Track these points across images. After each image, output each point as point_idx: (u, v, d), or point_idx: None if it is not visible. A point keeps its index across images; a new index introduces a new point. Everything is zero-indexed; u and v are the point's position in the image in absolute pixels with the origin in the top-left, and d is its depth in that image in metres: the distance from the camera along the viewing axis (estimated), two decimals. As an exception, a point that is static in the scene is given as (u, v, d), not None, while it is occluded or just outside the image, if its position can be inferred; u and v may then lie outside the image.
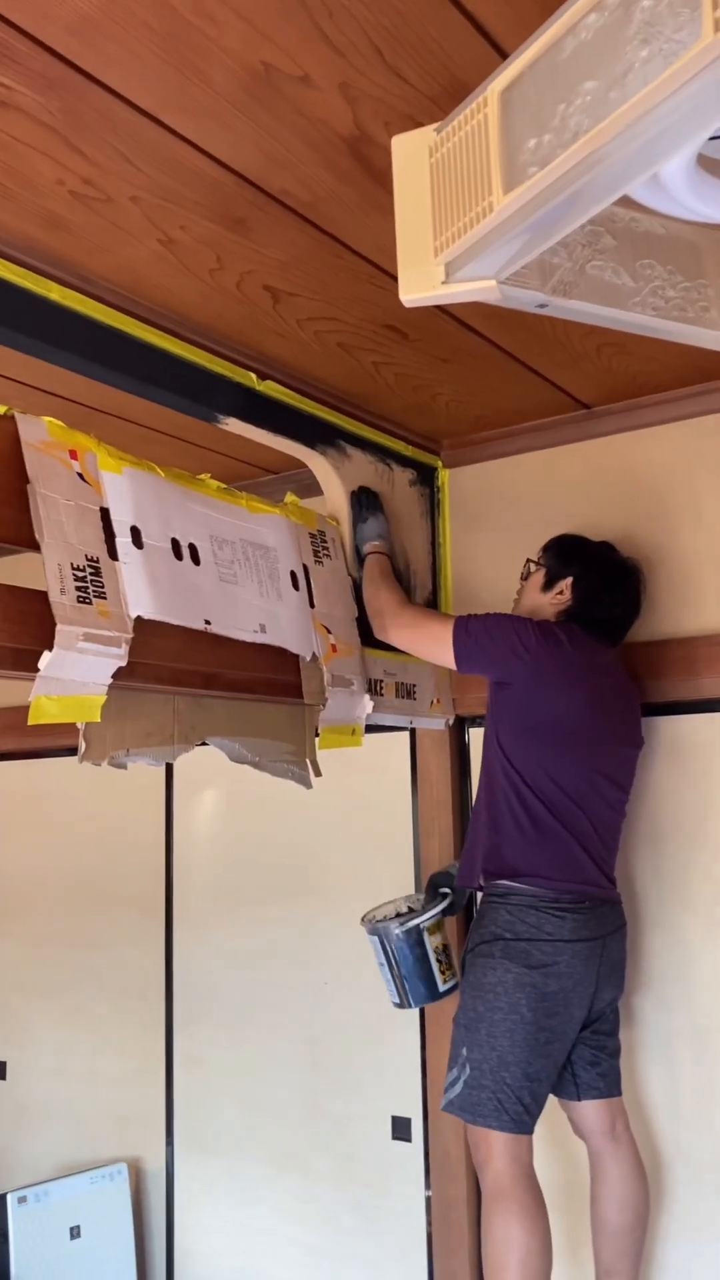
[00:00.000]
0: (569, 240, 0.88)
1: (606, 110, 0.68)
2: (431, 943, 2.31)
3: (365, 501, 2.38)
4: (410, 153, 0.88)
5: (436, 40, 1.32)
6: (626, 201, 0.81)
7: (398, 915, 2.38)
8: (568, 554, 2.27)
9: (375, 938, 2.33)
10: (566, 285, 0.88)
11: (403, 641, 2.25)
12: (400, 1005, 2.36)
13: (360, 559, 2.36)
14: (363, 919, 2.39)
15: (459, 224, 0.81)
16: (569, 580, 2.23)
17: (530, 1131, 2.02)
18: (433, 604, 2.61)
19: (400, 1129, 2.62)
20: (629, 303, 0.91)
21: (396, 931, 2.29)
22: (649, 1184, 2.19)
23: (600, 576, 2.23)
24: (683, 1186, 2.27)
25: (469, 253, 0.82)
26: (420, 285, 0.86)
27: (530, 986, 2.01)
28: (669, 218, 0.91)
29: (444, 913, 2.35)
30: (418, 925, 2.29)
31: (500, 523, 2.62)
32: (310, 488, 2.46)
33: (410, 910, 2.40)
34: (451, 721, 2.58)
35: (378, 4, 1.26)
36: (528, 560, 2.34)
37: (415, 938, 2.29)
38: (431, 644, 2.18)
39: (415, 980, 2.31)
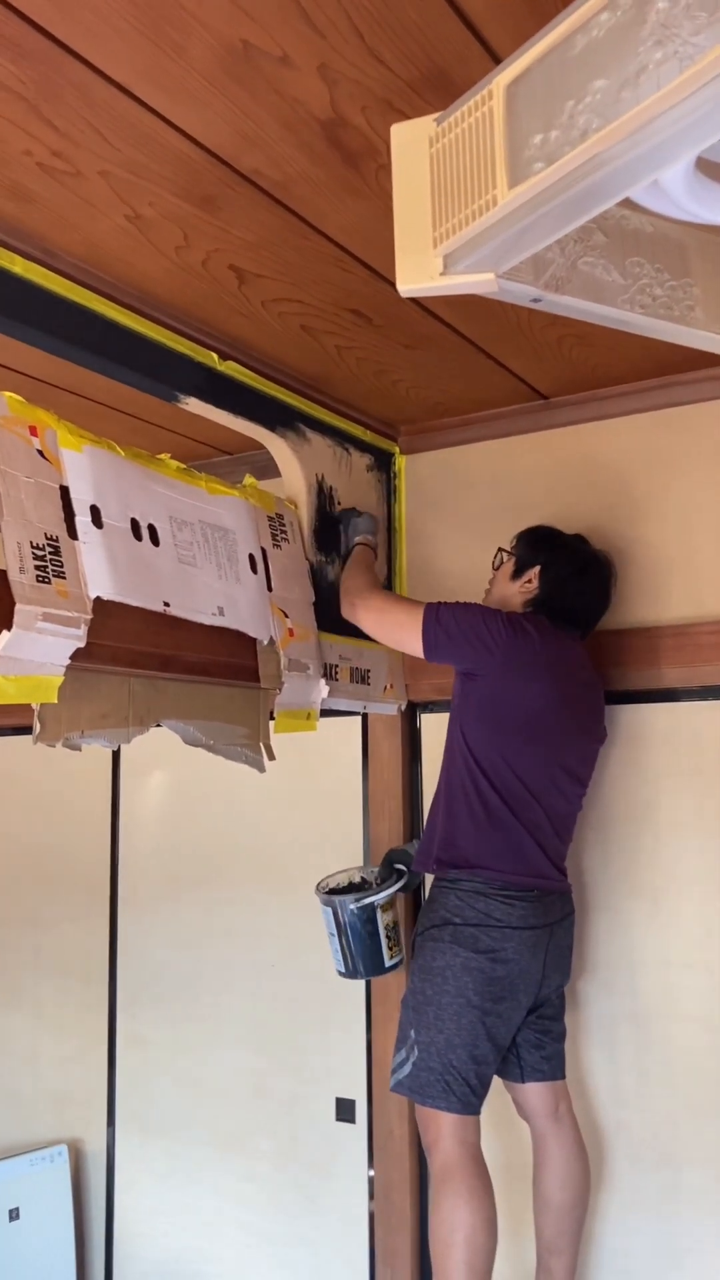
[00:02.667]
0: (562, 236, 0.89)
1: (618, 110, 0.68)
2: (383, 919, 2.34)
3: (358, 510, 2.47)
4: (409, 142, 0.88)
5: (417, 24, 1.31)
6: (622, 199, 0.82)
7: (350, 886, 2.43)
8: (537, 543, 2.28)
9: (328, 909, 2.35)
10: (559, 281, 0.89)
11: (370, 624, 2.25)
12: (345, 975, 2.42)
13: (349, 550, 2.42)
14: (317, 887, 2.42)
15: (459, 216, 0.81)
16: (537, 569, 2.24)
17: (477, 1112, 2.04)
18: (388, 588, 2.62)
19: (345, 1110, 2.64)
20: (618, 300, 0.92)
21: (351, 906, 2.32)
22: (590, 1163, 2.23)
23: (568, 565, 2.24)
24: (623, 1165, 2.32)
25: (469, 245, 0.82)
26: (418, 276, 0.86)
27: (478, 971, 2.03)
28: (659, 216, 0.92)
29: (399, 891, 2.38)
30: (372, 902, 2.31)
31: (456, 509, 2.63)
32: (266, 470, 2.45)
33: (364, 881, 2.44)
34: (404, 707, 2.60)
35: (361, -15, 1.25)
36: (499, 549, 2.34)
37: (368, 913, 2.32)
38: (399, 631, 2.18)
39: (363, 954, 2.36)
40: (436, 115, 0.87)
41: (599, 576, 2.28)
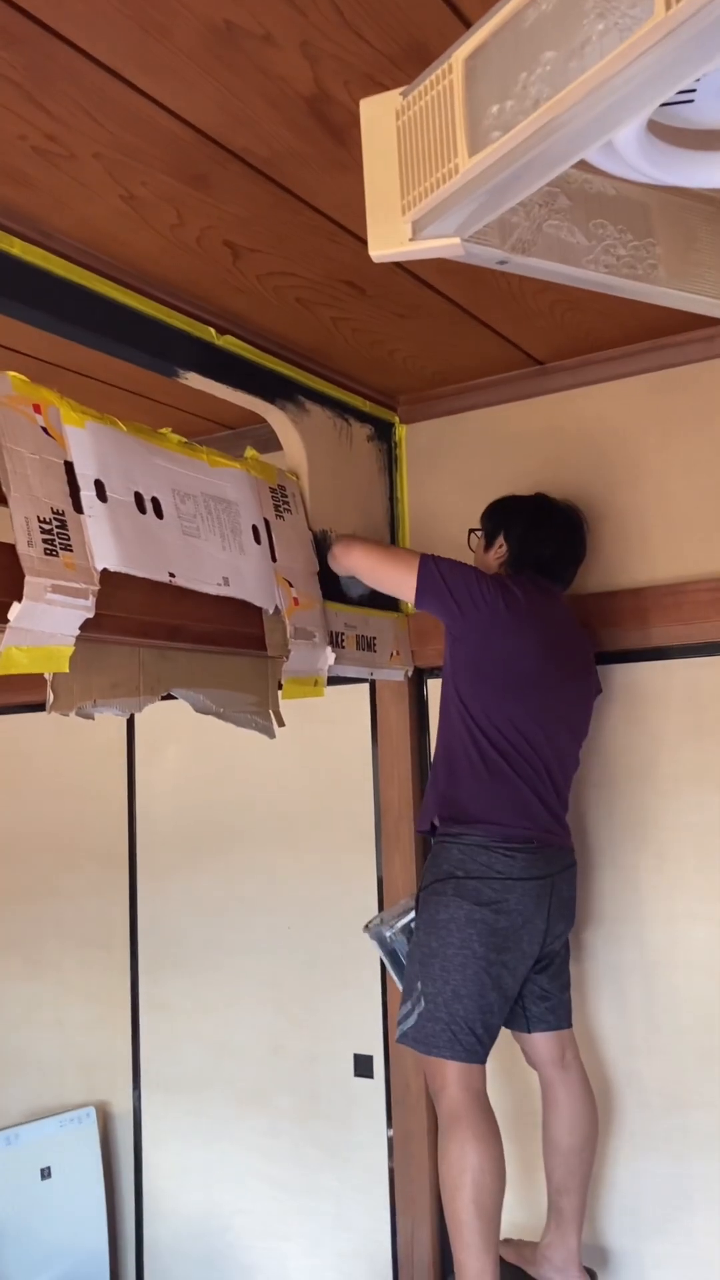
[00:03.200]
0: (527, 200, 0.93)
1: (565, 80, 0.72)
2: None
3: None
4: (377, 115, 0.92)
5: (395, 0, 1.35)
6: (581, 164, 0.86)
7: (405, 911, 2.39)
8: (497, 512, 2.41)
9: (375, 940, 2.35)
10: (525, 243, 0.93)
11: (362, 564, 2.34)
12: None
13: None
14: (365, 926, 2.40)
15: (425, 184, 0.86)
16: (502, 534, 2.36)
17: (483, 1061, 2.11)
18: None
19: (362, 1066, 2.71)
20: (583, 260, 0.96)
21: (386, 933, 2.33)
22: (599, 1109, 2.30)
23: (528, 520, 2.35)
24: (632, 1111, 2.38)
25: (435, 212, 0.86)
26: (389, 242, 0.91)
27: (481, 922, 2.10)
28: (620, 179, 0.96)
29: None
30: (407, 924, 2.33)
31: (457, 477, 2.67)
32: (268, 443, 2.50)
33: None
34: (410, 673, 2.65)
35: (338, -36, 1.29)
36: (470, 530, 2.45)
37: (409, 935, 2.31)
38: (394, 570, 2.26)
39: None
40: (403, 89, 0.92)
41: (561, 522, 2.37)
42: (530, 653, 2.20)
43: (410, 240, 0.89)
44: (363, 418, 2.62)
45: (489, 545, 2.38)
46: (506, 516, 2.38)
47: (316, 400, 2.46)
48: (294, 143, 1.63)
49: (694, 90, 0.82)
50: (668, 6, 0.64)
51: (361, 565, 2.34)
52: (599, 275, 0.97)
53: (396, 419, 2.73)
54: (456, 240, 0.89)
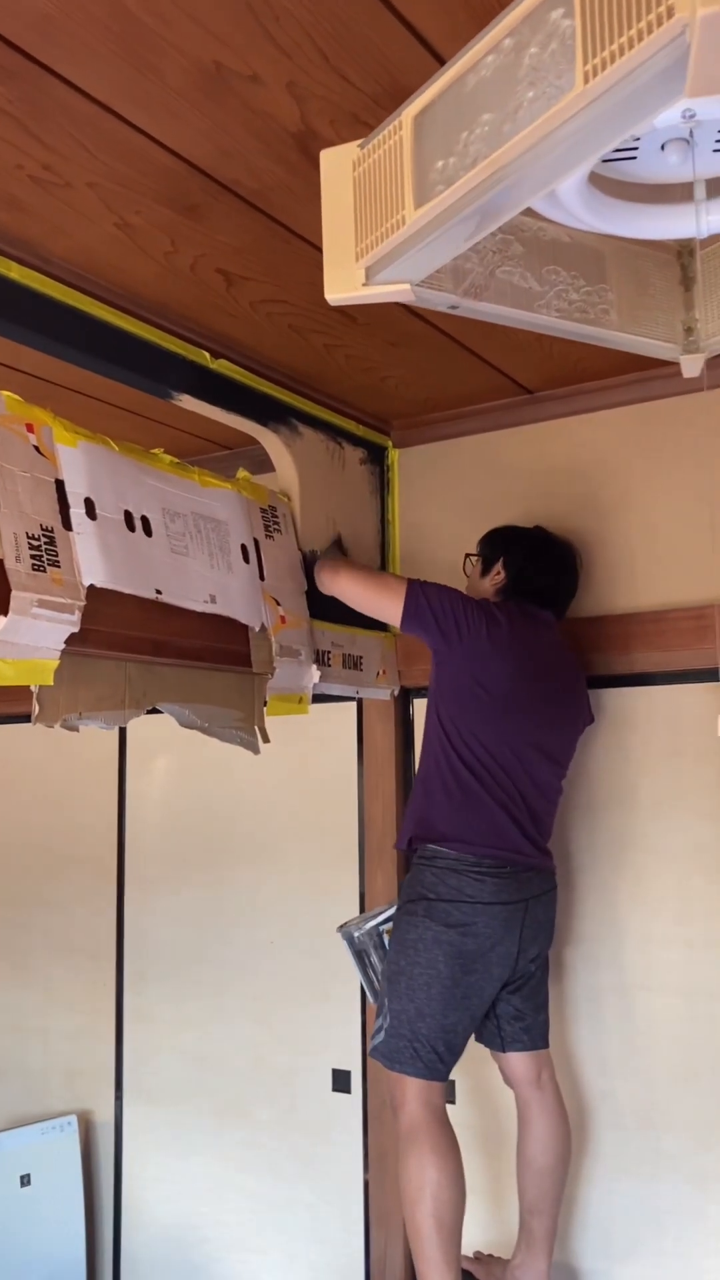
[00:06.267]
0: (481, 247, 0.97)
1: (500, 141, 0.77)
2: None
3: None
4: (336, 165, 0.97)
5: (377, 45, 1.40)
6: (533, 214, 0.90)
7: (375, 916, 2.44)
8: (497, 540, 2.44)
9: (345, 940, 2.39)
10: (477, 288, 0.98)
11: (349, 590, 2.37)
12: (376, 1001, 2.36)
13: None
14: (339, 926, 2.45)
15: (377, 232, 0.90)
16: (501, 560, 2.39)
17: (444, 1079, 2.14)
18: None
19: (340, 1081, 2.74)
20: (535, 305, 1.00)
21: (355, 933, 2.38)
22: (573, 1129, 2.32)
23: (528, 551, 2.39)
24: (606, 1131, 2.40)
25: (386, 259, 0.91)
26: (343, 286, 0.95)
27: (448, 944, 2.13)
28: (573, 228, 1.00)
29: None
30: (376, 926, 2.37)
31: (448, 502, 2.71)
32: (265, 464, 2.54)
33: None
34: (397, 692, 2.69)
35: (320, 9, 1.34)
36: (466, 555, 2.48)
37: (378, 938, 2.37)
38: (380, 596, 2.31)
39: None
40: (360, 141, 0.97)
41: (558, 554, 2.41)
42: (509, 678, 2.24)
43: (364, 285, 0.93)
44: (355, 441, 2.66)
45: (485, 571, 2.42)
46: (507, 544, 2.42)
47: (309, 423, 2.51)
48: (283, 176, 1.68)
49: (635, 148, 0.86)
50: (586, 80, 0.69)
51: (348, 591, 2.38)
52: (550, 319, 1.01)
53: (390, 443, 2.78)
54: (407, 286, 0.93)
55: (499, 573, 2.39)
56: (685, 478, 2.41)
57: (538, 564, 2.39)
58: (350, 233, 0.92)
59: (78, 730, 2.08)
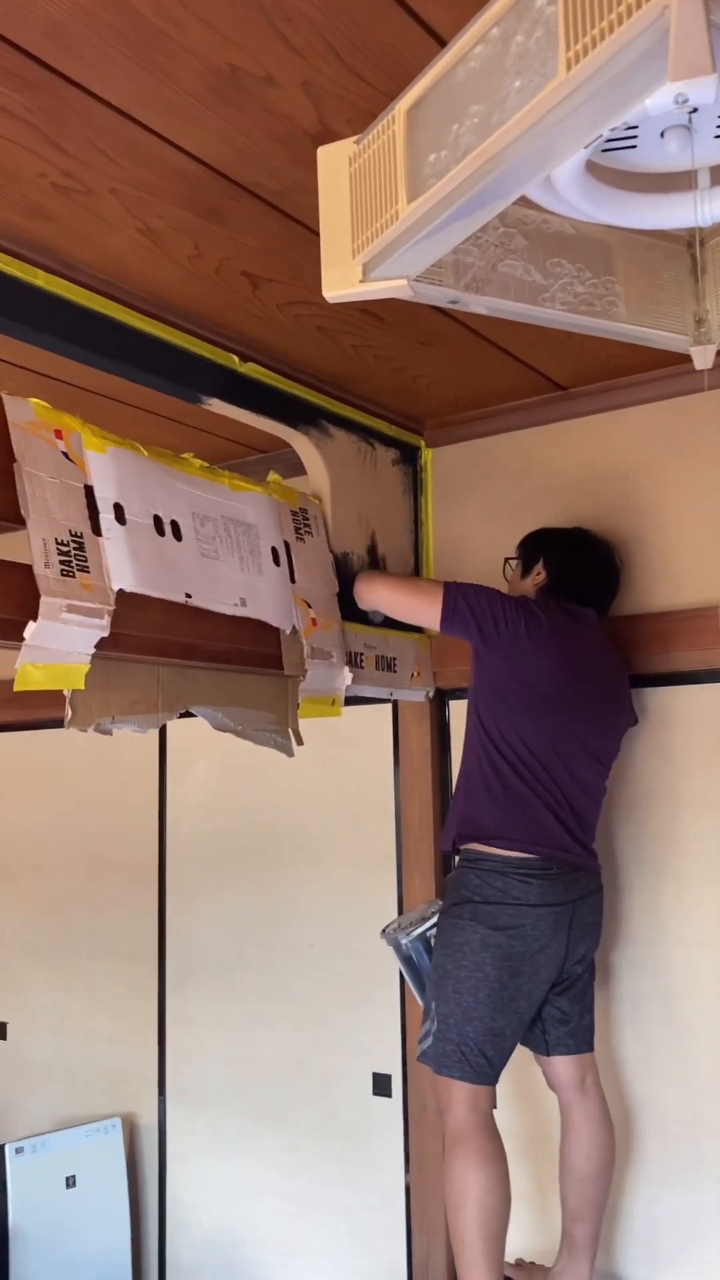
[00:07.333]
0: (483, 241, 0.96)
1: (489, 131, 0.76)
2: None
3: None
4: (333, 162, 0.96)
5: (390, 42, 1.39)
6: (536, 206, 0.89)
7: (422, 920, 2.39)
8: (537, 542, 2.43)
9: (392, 947, 2.37)
10: (479, 282, 0.96)
11: (387, 598, 2.37)
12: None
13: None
14: (382, 930, 2.42)
15: (373, 228, 0.89)
16: (541, 561, 2.38)
17: (492, 1083, 2.11)
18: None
19: (381, 1085, 2.72)
20: (539, 298, 0.99)
21: (403, 940, 2.35)
22: (616, 1135, 2.28)
23: (568, 548, 2.38)
24: (651, 1139, 2.37)
25: (381, 254, 0.90)
26: (341, 283, 0.95)
27: (495, 947, 2.11)
28: (577, 220, 0.98)
29: None
30: (424, 932, 2.34)
31: (482, 501, 2.69)
32: (299, 467, 2.54)
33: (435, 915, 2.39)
34: (432, 694, 2.67)
35: (332, 8, 1.33)
36: (506, 560, 2.47)
37: (427, 944, 2.33)
38: (418, 599, 2.30)
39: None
40: (356, 137, 0.96)
41: (599, 553, 2.40)
42: (549, 676, 2.21)
43: (361, 281, 0.93)
44: (387, 441, 2.65)
45: (526, 572, 2.41)
46: (547, 544, 2.41)
47: (340, 425, 2.50)
48: (302, 177, 1.68)
49: (634, 136, 0.84)
50: (568, 67, 0.67)
51: (386, 599, 2.38)
52: (555, 313, 1.00)
53: (422, 443, 2.76)
54: (404, 281, 0.92)
55: (540, 573, 2.38)
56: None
57: (579, 562, 2.38)
58: (347, 229, 0.92)
59: (111, 734, 2.09)
